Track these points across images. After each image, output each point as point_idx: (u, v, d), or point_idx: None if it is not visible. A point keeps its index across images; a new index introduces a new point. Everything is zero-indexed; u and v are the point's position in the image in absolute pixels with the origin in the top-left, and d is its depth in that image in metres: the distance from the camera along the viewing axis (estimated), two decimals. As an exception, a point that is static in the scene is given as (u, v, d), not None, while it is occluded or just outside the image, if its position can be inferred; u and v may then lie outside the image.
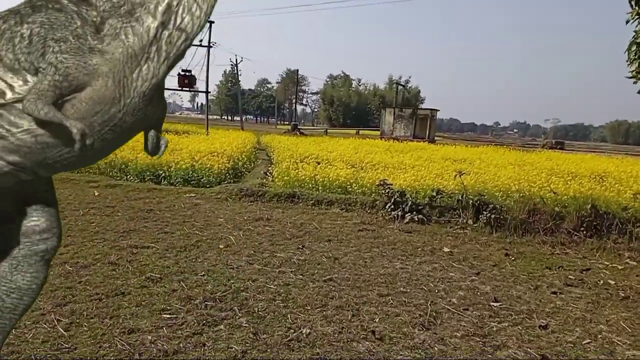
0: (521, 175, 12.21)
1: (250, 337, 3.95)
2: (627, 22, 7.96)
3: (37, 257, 2.00)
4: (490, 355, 3.96)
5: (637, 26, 7.84)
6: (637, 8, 7.78)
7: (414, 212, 8.91)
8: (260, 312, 4.44)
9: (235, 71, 58.23)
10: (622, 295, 5.71)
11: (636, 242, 8.01)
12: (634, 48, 7.93)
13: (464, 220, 8.85)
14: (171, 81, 43.05)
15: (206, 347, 3.74)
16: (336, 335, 4.10)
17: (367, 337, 4.10)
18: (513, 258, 7.01)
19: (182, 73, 41.16)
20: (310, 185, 10.88)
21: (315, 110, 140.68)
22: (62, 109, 1.59)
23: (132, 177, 11.59)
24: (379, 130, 48.06)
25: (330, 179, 10.98)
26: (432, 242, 7.56)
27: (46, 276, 2.09)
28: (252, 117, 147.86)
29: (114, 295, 4.55)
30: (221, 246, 6.50)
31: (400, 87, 73.24)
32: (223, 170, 12.39)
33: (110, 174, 11.77)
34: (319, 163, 13.41)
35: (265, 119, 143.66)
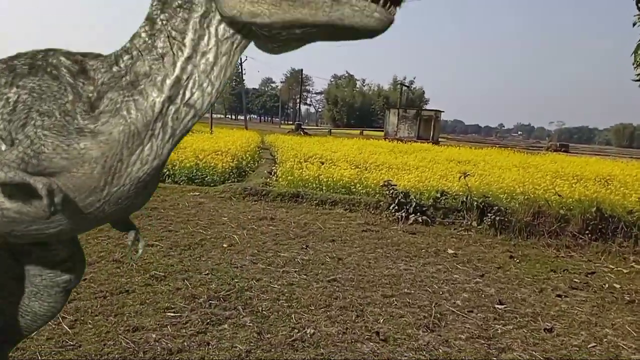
0: (526, 177, 12.18)
1: (255, 336, 3.94)
2: (634, 24, 7.93)
3: (58, 288, 1.95)
4: (495, 358, 3.95)
5: (644, 29, 7.81)
6: (644, 11, 7.74)
7: (418, 213, 8.89)
8: (264, 312, 4.43)
9: (240, 70, 58.27)
10: (628, 299, 5.68)
11: (641, 246, 7.97)
12: (640, 51, 7.89)
13: (469, 222, 8.83)
14: (176, 80, 43.13)
15: (210, 346, 3.73)
16: (340, 335, 4.09)
17: (372, 338, 4.09)
18: (518, 260, 6.99)
19: (187, 72, 41.24)
20: (314, 185, 10.87)
21: (319, 110, 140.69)
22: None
23: (136, 175, 11.59)
24: (382, 130, 48.01)
25: (334, 179, 10.97)
26: (436, 244, 7.54)
27: (64, 304, 2.05)
28: (256, 116, 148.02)
29: (119, 293, 4.55)
30: (225, 245, 6.50)
31: (404, 88, 73.20)
32: (227, 169, 12.40)
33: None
34: (322, 163, 13.40)
35: (269, 119, 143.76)
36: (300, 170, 11.71)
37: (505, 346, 4.16)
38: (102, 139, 1.41)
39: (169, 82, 1.44)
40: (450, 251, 7.16)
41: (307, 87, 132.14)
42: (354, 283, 5.41)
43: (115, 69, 1.49)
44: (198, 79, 1.45)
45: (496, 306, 5.06)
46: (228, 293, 4.79)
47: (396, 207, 9.07)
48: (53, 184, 1.35)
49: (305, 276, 5.48)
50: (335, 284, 5.33)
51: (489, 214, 8.64)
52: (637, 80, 8.07)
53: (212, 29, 1.45)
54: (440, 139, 45.30)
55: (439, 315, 4.66)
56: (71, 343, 3.62)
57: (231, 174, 12.48)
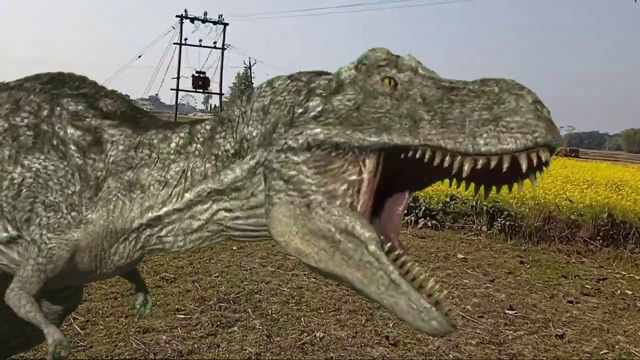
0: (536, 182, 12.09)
1: (264, 339, 3.95)
2: None
3: (54, 315, 1.93)
4: (505, 364, 3.92)
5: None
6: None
7: (428, 218, 8.87)
8: (273, 315, 4.43)
9: (249, 73, 58.51)
10: (640, 305, 5.63)
11: (654, 253, 7.90)
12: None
13: (478, 227, 8.79)
14: (186, 82, 43.37)
15: (220, 349, 3.74)
16: (350, 339, 4.09)
17: (381, 342, 4.08)
18: (528, 266, 6.95)
19: (196, 75, 41.46)
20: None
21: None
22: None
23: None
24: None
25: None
26: (445, 248, 7.51)
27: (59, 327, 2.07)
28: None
29: (129, 295, 4.57)
30: (234, 247, 6.51)
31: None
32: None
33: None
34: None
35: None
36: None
37: (517, 352, 4.13)
38: (89, 230, 1.42)
39: (151, 214, 1.41)
40: (460, 256, 7.13)
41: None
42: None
43: (131, 154, 1.45)
44: (176, 230, 1.42)
45: (507, 312, 5.03)
46: (238, 295, 4.80)
47: (405, 211, 9.04)
48: (64, 341, 1.41)
49: (314, 279, 5.48)
50: (344, 287, 5.30)
51: (499, 219, 8.60)
52: None
53: (215, 207, 1.38)
54: (449, 143, 45.04)
55: (449, 320, 4.63)
56: (82, 344, 3.65)
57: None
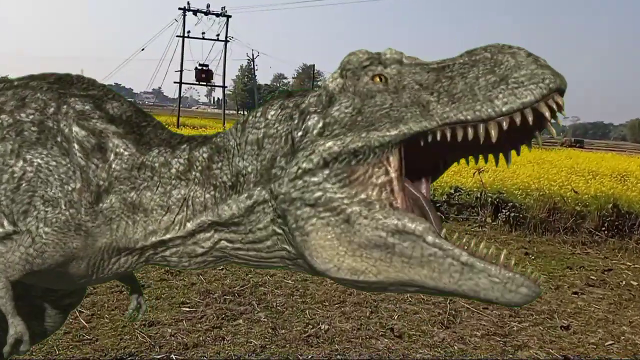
0: (541, 173, 12.06)
1: (269, 332, 3.95)
2: None
3: (58, 310, 1.94)
4: (511, 356, 3.92)
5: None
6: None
7: (432, 209, 8.85)
8: (278, 307, 4.44)
9: (252, 66, 58.41)
10: (645, 296, 5.61)
11: (659, 243, 7.86)
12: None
13: (483, 218, 8.77)
14: (189, 75, 43.39)
15: (225, 341, 3.75)
16: (355, 331, 4.09)
17: (386, 335, 4.08)
18: (533, 257, 6.93)
19: (200, 67, 41.44)
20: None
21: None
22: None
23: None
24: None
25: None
26: (450, 240, 7.50)
27: (63, 323, 2.04)
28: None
29: (134, 288, 4.59)
30: (239, 240, 6.52)
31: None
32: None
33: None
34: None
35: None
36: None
37: (522, 343, 4.13)
38: (89, 243, 1.41)
39: (154, 239, 1.40)
40: (464, 247, 7.12)
41: (319, 83, 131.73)
42: (360, 290, 5.39)
43: (134, 173, 1.43)
44: (180, 253, 1.41)
45: (512, 303, 5.02)
46: (242, 288, 4.81)
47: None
48: (25, 335, 1.37)
49: (319, 272, 5.48)
50: (349, 279, 5.32)
51: (504, 210, 8.58)
52: None
53: (217, 236, 1.36)
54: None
55: (453, 312, 4.64)
56: (88, 337, 3.66)
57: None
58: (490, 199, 8.84)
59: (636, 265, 6.96)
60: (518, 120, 1.05)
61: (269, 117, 1.32)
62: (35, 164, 1.41)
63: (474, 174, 10.24)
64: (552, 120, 1.09)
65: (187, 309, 4.25)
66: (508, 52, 1.11)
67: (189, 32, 41.91)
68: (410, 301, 4.83)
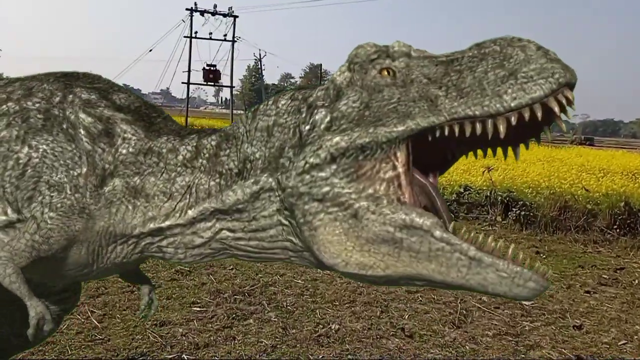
0: (551, 171, 11.97)
1: (280, 331, 3.95)
2: None
3: (52, 315, 1.87)
4: (523, 356, 3.89)
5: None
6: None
7: (441, 208, 8.81)
8: (288, 307, 4.44)
9: (259, 66, 58.48)
10: (659, 295, 5.55)
11: (672, 241, 7.78)
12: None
13: (493, 217, 8.72)
14: (196, 76, 43.50)
15: (236, 341, 3.75)
16: (365, 331, 4.08)
17: (397, 334, 4.07)
18: (544, 256, 6.88)
19: (207, 67, 41.52)
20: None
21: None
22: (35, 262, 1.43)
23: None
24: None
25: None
26: (460, 239, 7.46)
27: (57, 329, 2.03)
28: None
29: (145, 288, 4.60)
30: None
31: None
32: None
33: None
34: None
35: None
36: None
37: (534, 343, 4.10)
38: (89, 225, 1.40)
39: (153, 225, 1.39)
40: (474, 246, 7.08)
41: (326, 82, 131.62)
42: (368, 284, 5.38)
43: (140, 158, 1.42)
44: (177, 243, 1.40)
45: (523, 303, 4.98)
46: (252, 288, 4.81)
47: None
48: (47, 315, 1.37)
49: (328, 272, 5.46)
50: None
51: (514, 209, 8.52)
52: None
53: (218, 225, 1.35)
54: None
55: (464, 312, 4.61)
56: (100, 337, 3.68)
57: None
58: (500, 198, 8.78)
59: (649, 264, 6.89)
60: (527, 115, 1.04)
61: (280, 105, 1.32)
62: (41, 150, 1.41)
63: (484, 172, 10.19)
64: (563, 117, 1.08)
65: (198, 309, 4.26)
66: (517, 45, 1.10)
67: (196, 32, 42.01)
68: (420, 301, 4.81)
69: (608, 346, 4.18)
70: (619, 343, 4.25)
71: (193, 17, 41.53)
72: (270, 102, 1.35)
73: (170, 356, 3.51)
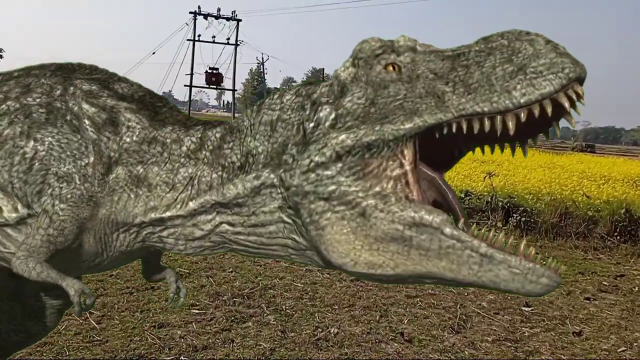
0: (552, 178, 11.96)
1: (279, 335, 3.95)
2: None
3: (53, 309, 1.94)
4: (522, 361, 3.88)
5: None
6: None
7: (442, 213, 8.80)
8: (288, 310, 4.43)
9: (262, 69, 58.58)
10: (659, 303, 5.54)
11: (673, 249, 7.76)
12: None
13: (493, 223, 8.70)
14: (199, 79, 43.59)
15: (235, 344, 3.74)
16: (364, 335, 4.07)
17: (396, 339, 4.06)
18: (544, 262, 6.86)
19: (210, 71, 41.63)
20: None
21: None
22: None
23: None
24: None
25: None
26: (460, 244, 7.45)
27: (58, 323, 2.03)
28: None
29: (144, 289, 4.60)
30: (248, 243, 6.52)
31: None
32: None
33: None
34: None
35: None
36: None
37: (533, 349, 4.09)
38: (94, 213, 1.41)
39: (154, 215, 1.39)
40: (474, 252, 7.07)
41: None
42: (377, 283, 5.37)
43: (144, 147, 1.42)
44: (177, 234, 1.40)
45: (523, 308, 4.97)
46: (252, 291, 4.81)
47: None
48: (85, 289, 1.36)
49: (328, 275, 5.47)
50: (358, 283, 5.30)
51: (515, 215, 8.50)
52: None
53: (218, 219, 1.35)
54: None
55: (464, 317, 4.60)
56: (98, 338, 3.67)
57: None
58: (501, 204, 8.77)
59: (649, 271, 6.88)
60: (537, 112, 1.03)
61: (285, 100, 1.31)
62: (47, 142, 1.40)
63: (485, 178, 10.18)
64: (572, 113, 1.06)
65: (197, 311, 4.25)
66: (526, 39, 1.08)
67: (199, 35, 42.17)
68: (420, 305, 4.80)
69: (607, 353, 4.17)
70: (619, 350, 4.24)
71: (197, 21, 41.66)
72: (275, 97, 1.34)
73: (168, 358, 3.51)
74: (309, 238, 1.21)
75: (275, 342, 3.82)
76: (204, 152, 1.38)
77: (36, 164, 1.40)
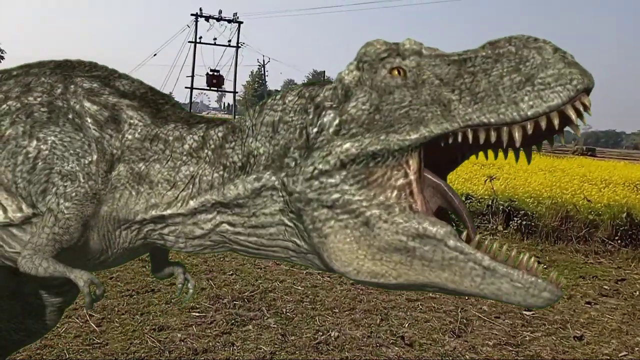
0: (553, 181, 11.95)
1: (279, 338, 3.94)
2: None
3: (53, 307, 1.94)
4: (523, 366, 3.87)
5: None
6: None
7: (443, 217, 8.79)
8: (288, 314, 4.42)
9: (262, 72, 58.65)
10: (660, 307, 5.52)
11: (674, 253, 7.74)
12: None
13: (494, 226, 8.70)
14: (200, 81, 43.64)
15: (235, 347, 3.74)
16: (365, 339, 4.06)
17: (397, 343, 4.05)
18: (545, 266, 6.84)
19: (211, 73, 41.69)
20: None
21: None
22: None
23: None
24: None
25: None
26: (461, 248, 7.44)
27: (58, 321, 2.03)
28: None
29: (144, 292, 4.59)
30: (249, 246, 6.51)
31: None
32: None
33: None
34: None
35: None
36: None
37: (534, 354, 4.08)
38: (97, 210, 1.41)
39: (155, 212, 1.39)
40: (475, 255, 7.05)
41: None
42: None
43: (146, 144, 1.42)
44: (178, 232, 1.40)
45: (524, 312, 4.96)
46: (252, 294, 4.80)
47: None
48: (94, 279, 1.37)
49: (328, 278, 5.46)
50: (359, 286, 5.29)
51: (515, 218, 8.50)
52: None
53: (219, 218, 1.35)
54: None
55: (465, 321, 4.59)
56: (98, 341, 3.67)
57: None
58: (501, 207, 8.76)
59: (650, 276, 6.86)
60: (544, 124, 1.02)
61: (287, 101, 1.30)
62: (50, 141, 1.40)
63: (486, 181, 10.18)
64: (579, 123, 1.05)
65: (197, 314, 4.24)
66: (534, 46, 1.06)
67: (200, 37, 42.25)
68: (421, 309, 4.79)
69: (608, 357, 4.16)
70: (620, 354, 4.23)
71: (198, 23, 41.74)
72: (277, 97, 1.34)
73: (168, 361, 3.50)
74: (311, 244, 1.20)
75: (276, 346, 3.81)
76: (205, 151, 1.38)
77: (40, 164, 1.40)
